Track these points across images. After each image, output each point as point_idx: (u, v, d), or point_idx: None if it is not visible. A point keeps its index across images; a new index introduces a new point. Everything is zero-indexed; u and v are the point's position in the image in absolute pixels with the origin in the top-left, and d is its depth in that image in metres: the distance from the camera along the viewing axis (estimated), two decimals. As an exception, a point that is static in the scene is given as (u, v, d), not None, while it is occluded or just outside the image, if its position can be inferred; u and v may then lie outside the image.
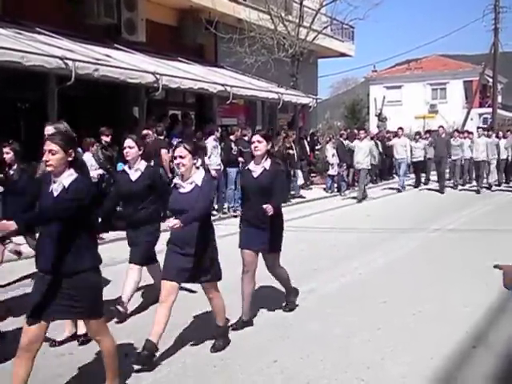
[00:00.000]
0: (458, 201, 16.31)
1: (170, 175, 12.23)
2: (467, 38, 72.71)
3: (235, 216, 13.19)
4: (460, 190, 18.83)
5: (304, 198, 16.28)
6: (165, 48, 16.39)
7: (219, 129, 13.49)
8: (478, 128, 20.62)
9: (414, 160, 19.78)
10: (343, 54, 26.34)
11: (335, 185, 17.64)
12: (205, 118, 16.34)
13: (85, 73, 10.94)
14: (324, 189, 18.08)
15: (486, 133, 18.89)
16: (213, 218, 12.62)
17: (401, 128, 19.80)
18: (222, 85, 15.04)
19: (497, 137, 19.55)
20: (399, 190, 18.56)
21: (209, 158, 12.62)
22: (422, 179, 20.23)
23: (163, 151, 11.93)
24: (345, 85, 77.14)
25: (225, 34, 17.41)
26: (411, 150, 19.37)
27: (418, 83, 48.71)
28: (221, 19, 17.59)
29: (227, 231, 11.31)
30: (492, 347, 4.92)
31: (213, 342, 5.03)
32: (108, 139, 10.87)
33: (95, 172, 10.27)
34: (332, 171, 17.55)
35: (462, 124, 32.42)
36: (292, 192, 15.41)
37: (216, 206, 13.27)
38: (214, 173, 12.65)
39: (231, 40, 17.15)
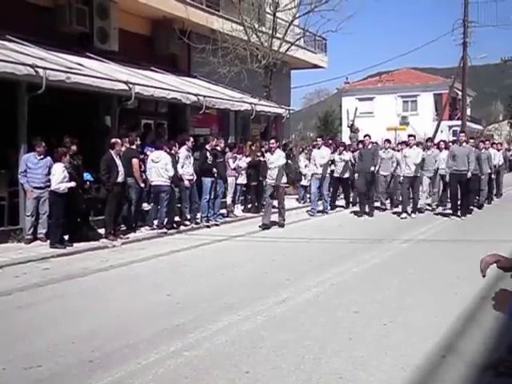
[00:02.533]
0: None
1: (142, 185, 12.16)
2: (437, 52, 73.86)
3: (208, 226, 13.17)
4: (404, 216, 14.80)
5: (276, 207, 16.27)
6: (137, 57, 16.32)
7: (191, 138, 13.43)
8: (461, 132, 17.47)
9: (336, 176, 16.60)
10: (316, 66, 26.57)
11: (308, 195, 17.68)
12: (178, 127, 16.28)
13: (56, 80, 10.84)
14: (297, 199, 18.13)
15: (427, 144, 16.54)
16: (185, 228, 12.76)
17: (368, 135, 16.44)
18: (195, 95, 15.03)
19: (476, 147, 17.03)
20: (312, 215, 15.41)
21: (182, 167, 12.59)
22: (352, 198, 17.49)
23: (134, 161, 11.86)
24: (317, 96, 77.82)
25: (198, 44, 17.42)
26: (333, 163, 16.65)
27: (390, 95, 49.39)
28: (194, 29, 17.60)
29: (200, 241, 11.33)
30: (462, 356, 4.96)
31: (187, 354, 5.00)
32: (74, 148, 10.77)
33: (66, 185, 10.13)
34: (305, 182, 17.63)
35: (432, 136, 32.87)
36: (264, 202, 15.40)
37: (188, 216, 13.22)
38: (186, 183, 12.64)
39: (204, 50, 17.17)
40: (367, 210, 15.27)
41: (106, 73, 12.72)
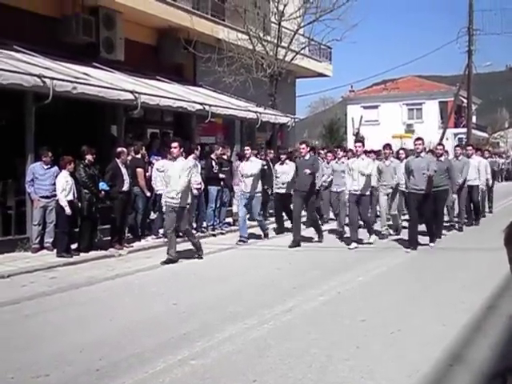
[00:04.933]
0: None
1: (148, 194, 12.21)
2: (442, 60, 73.92)
3: (214, 235, 13.19)
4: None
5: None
6: (143, 67, 16.41)
7: (199, 147, 13.48)
8: (456, 146, 16.26)
9: (279, 191, 13.31)
10: (321, 74, 26.60)
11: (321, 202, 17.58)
12: (183, 136, 16.33)
13: (63, 91, 10.90)
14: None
15: (384, 152, 13.20)
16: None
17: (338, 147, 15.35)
18: (201, 104, 15.09)
19: (480, 154, 16.40)
20: (243, 241, 12.30)
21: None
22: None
23: (139, 170, 11.91)
24: (322, 104, 77.95)
25: (203, 53, 17.48)
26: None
27: (395, 103, 49.42)
28: (199, 39, 17.67)
29: (206, 250, 11.33)
30: (469, 365, 4.95)
31: (193, 362, 5.02)
32: (91, 158, 10.80)
33: (60, 197, 10.15)
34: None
35: (437, 144, 32.84)
36: (271, 210, 15.41)
37: (195, 225, 13.25)
38: (195, 191, 12.65)
39: (210, 59, 17.22)
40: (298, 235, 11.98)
41: (112, 82, 12.79)
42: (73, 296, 7.77)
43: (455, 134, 44.71)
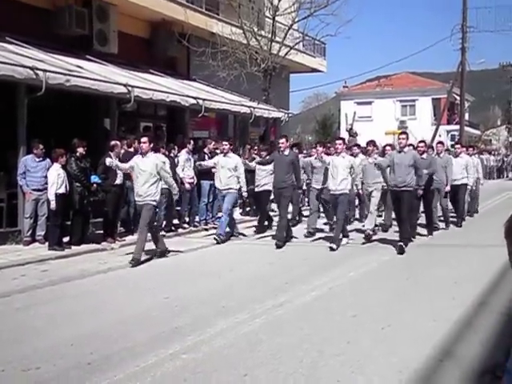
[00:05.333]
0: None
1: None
2: (436, 57, 74.12)
3: (206, 229, 13.18)
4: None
5: (274, 211, 16.30)
6: (137, 60, 16.36)
7: (191, 141, 13.46)
8: (452, 146, 16.47)
9: (258, 190, 13.01)
10: (315, 70, 26.60)
11: (306, 199, 17.67)
12: (176, 130, 16.31)
13: (56, 83, 10.86)
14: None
15: (367, 148, 12.69)
16: (183, 231, 12.77)
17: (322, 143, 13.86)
18: (194, 98, 15.06)
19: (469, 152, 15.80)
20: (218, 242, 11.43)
21: (182, 170, 12.59)
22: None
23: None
24: (316, 100, 77.94)
25: (197, 47, 17.44)
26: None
27: (388, 100, 49.49)
28: (193, 32, 17.63)
29: (199, 244, 11.35)
30: (459, 361, 4.98)
31: (185, 356, 5.03)
32: (83, 151, 10.75)
33: (50, 191, 10.06)
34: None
35: (430, 140, 32.97)
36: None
37: (187, 219, 13.24)
38: (187, 186, 12.64)
39: (204, 53, 17.19)
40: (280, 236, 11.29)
41: (106, 75, 12.74)
42: (64, 289, 7.76)
43: (448, 131, 44.83)
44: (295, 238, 11.94)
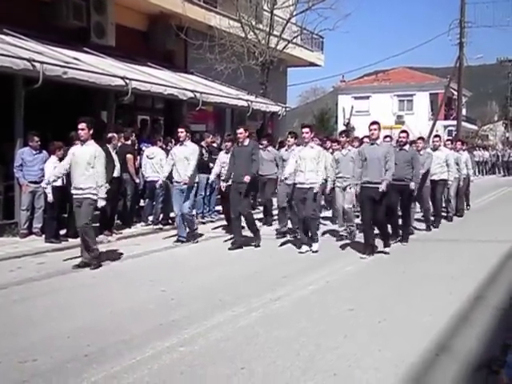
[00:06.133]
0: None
1: (137, 180, 12.17)
2: (434, 52, 74.10)
3: (203, 223, 13.17)
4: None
5: (273, 205, 16.29)
6: (134, 53, 16.30)
7: (189, 135, 13.39)
8: (447, 141, 15.19)
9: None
10: (312, 64, 26.57)
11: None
12: (174, 123, 16.27)
13: (53, 75, 10.82)
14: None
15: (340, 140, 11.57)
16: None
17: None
18: (192, 91, 15.03)
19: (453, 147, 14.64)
20: (181, 241, 10.76)
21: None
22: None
23: (129, 156, 11.85)
24: (313, 94, 77.93)
25: (195, 40, 17.39)
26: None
27: (386, 94, 49.51)
28: (191, 25, 17.59)
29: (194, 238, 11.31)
30: (455, 355, 4.99)
31: (182, 349, 5.04)
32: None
33: (43, 185, 9.64)
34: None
35: (427, 135, 33.01)
36: (259, 199, 15.38)
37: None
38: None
39: (201, 46, 17.13)
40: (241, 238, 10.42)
41: (103, 68, 12.70)
42: (61, 282, 7.75)
43: (445, 126, 44.92)
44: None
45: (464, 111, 46.84)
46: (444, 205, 14.14)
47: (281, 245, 10.70)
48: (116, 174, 11.04)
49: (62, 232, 10.51)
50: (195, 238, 10.86)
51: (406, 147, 10.99)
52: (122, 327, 5.71)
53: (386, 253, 9.60)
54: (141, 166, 12.49)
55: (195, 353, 5.02)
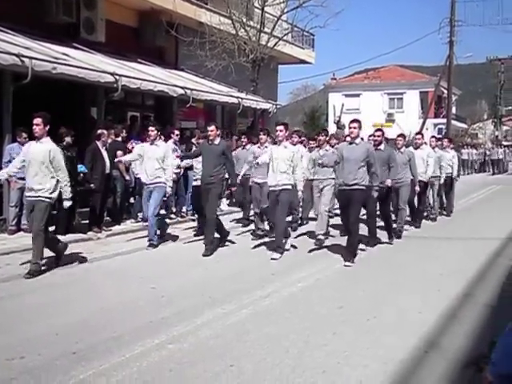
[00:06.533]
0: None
1: (127, 177, 12.12)
2: (424, 50, 74.28)
3: (193, 220, 13.14)
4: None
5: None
6: (124, 49, 16.21)
7: (177, 131, 13.37)
8: (432, 137, 14.58)
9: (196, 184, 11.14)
10: (303, 61, 26.55)
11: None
12: (164, 120, 16.22)
13: (42, 71, 10.75)
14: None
15: (319, 139, 11.30)
16: (171, 221, 12.74)
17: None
18: (182, 88, 14.98)
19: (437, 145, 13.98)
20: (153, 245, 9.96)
21: (168, 160, 12.51)
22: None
23: (119, 153, 11.79)
24: (304, 92, 77.73)
25: (186, 37, 17.34)
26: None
27: (376, 92, 49.60)
28: (182, 22, 17.52)
29: (185, 234, 11.32)
30: (444, 352, 5.01)
31: (171, 346, 5.03)
32: (70, 140, 10.66)
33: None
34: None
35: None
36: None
37: (174, 210, 13.20)
38: (174, 176, 12.55)
39: (192, 43, 17.09)
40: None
41: (93, 64, 12.62)
42: (50, 279, 7.70)
43: (435, 125, 45.02)
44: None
45: (454, 109, 47.01)
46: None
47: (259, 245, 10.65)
48: (106, 170, 11.00)
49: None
50: (163, 239, 10.27)
51: (382, 146, 10.25)
52: (112, 324, 5.69)
53: (346, 265, 8.54)
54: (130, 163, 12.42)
55: (184, 350, 5.01)
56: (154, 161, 9.89)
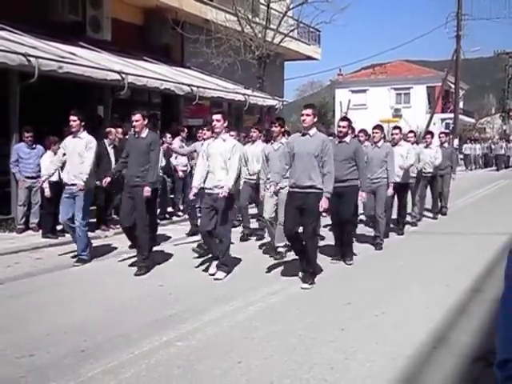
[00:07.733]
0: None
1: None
2: (431, 44, 74.04)
3: (200, 217, 13.14)
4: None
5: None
6: (130, 47, 16.24)
7: (185, 129, 13.40)
8: (441, 133, 14.00)
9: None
10: (309, 57, 26.50)
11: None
12: (171, 118, 16.24)
13: (48, 70, 10.78)
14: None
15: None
16: (178, 218, 12.75)
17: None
18: (189, 85, 14.99)
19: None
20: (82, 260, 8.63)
21: (175, 158, 12.54)
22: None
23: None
24: (311, 88, 77.62)
25: (191, 34, 17.34)
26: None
27: (383, 87, 49.42)
28: (187, 19, 17.51)
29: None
30: (453, 347, 5.00)
31: (179, 344, 5.05)
32: None
33: (40, 181, 9.70)
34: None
35: (425, 128, 33.00)
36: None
37: (181, 207, 13.22)
38: (181, 173, 12.59)
39: (198, 40, 17.09)
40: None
41: (99, 62, 12.65)
42: (58, 277, 7.74)
43: (442, 119, 44.89)
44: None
45: (461, 104, 46.81)
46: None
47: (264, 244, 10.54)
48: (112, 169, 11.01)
49: (59, 227, 10.48)
50: (90, 253, 8.65)
51: (347, 139, 8.65)
52: (120, 322, 5.71)
53: (304, 286, 7.07)
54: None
55: (192, 347, 5.02)
56: (76, 157, 8.42)
